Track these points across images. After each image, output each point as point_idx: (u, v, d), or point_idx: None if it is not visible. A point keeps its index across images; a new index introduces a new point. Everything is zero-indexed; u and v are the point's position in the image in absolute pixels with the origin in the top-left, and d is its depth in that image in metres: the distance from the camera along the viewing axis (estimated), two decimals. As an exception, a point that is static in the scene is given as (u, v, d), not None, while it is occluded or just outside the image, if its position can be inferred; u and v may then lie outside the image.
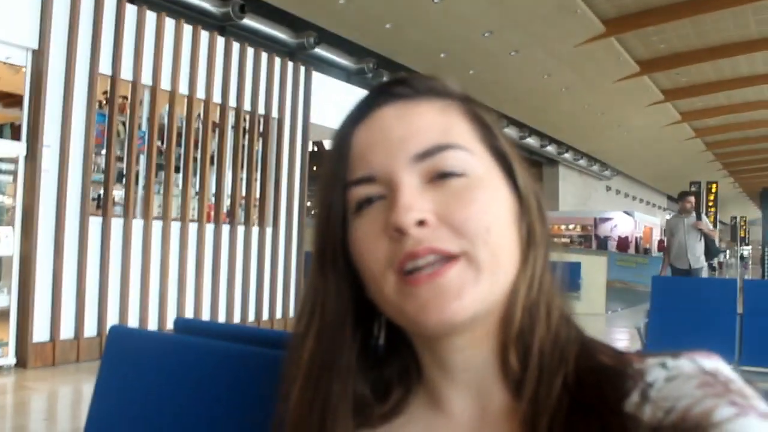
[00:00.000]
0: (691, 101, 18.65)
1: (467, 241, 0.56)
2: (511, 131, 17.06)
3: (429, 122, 0.61)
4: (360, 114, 0.63)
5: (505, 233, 0.59)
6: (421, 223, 0.56)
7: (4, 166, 5.71)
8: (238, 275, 7.49)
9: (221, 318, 7.23)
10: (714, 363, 0.53)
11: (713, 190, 26.43)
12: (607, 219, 25.64)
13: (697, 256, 8.27)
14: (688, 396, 0.50)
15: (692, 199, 8.56)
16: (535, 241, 0.61)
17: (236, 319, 7.44)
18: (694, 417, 0.48)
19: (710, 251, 8.47)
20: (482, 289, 0.57)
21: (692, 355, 0.54)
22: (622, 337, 8.77)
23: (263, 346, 0.94)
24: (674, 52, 14.64)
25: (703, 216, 8.62)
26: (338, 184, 0.62)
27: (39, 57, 5.72)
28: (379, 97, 0.63)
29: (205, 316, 7.05)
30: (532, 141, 18.85)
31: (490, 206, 0.58)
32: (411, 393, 0.66)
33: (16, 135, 6.21)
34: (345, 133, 0.63)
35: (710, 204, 26.31)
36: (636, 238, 25.62)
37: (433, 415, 0.64)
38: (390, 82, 0.65)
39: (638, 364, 0.55)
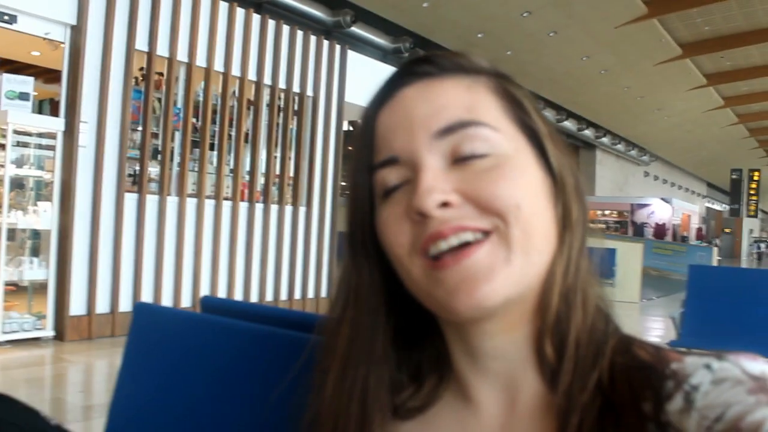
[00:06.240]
0: (735, 85, 18.21)
1: (497, 217, 0.54)
2: (548, 114, 16.83)
3: (453, 99, 0.58)
4: (383, 96, 0.62)
5: (538, 211, 0.56)
6: (445, 204, 0.54)
7: (44, 142, 5.78)
8: (271, 254, 7.52)
9: (254, 296, 7.28)
10: (760, 366, 0.49)
11: (755, 178, 25.87)
12: (645, 205, 25.29)
13: None
14: (739, 403, 0.46)
15: None
16: (571, 222, 0.59)
17: (269, 297, 7.49)
18: (748, 427, 0.44)
19: None
20: (514, 270, 0.54)
21: (737, 358, 0.50)
22: (657, 326, 8.64)
23: (288, 328, 0.93)
24: (719, 35, 14.28)
25: None
26: (364, 167, 0.61)
27: (77, 33, 5.75)
28: (402, 77, 0.61)
29: (238, 293, 7.10)
30: (569, 124, 18.58)
31: (518, 183, 0.56)
32: (444, 381, 0.64)
33: (55, 111, 6.29)
34: (369, 116, 0.62)
35: (752, 192, 25.74)
36: (673, 226, 25.22)
37: (463, 407, 0.62)
38: (414, 61, 0.62)
39: (677, 363, 0.52)
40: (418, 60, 0.62)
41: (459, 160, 0.56)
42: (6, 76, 5.47)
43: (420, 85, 0.60)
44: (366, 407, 0.60)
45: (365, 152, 0.61)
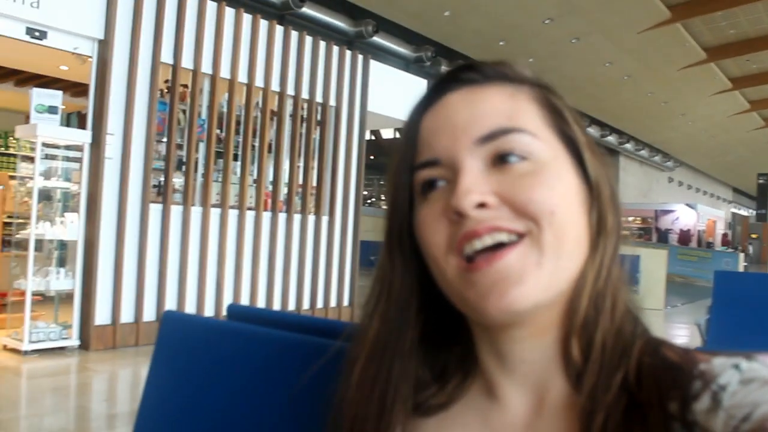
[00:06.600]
0: (762, 89, 17.95)
1: (531, 221, 0.56)
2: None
3: (495, 106, 0.60)
4: (428, 101, 0.64)
5: (572, 218, 0.58)
6: (482, 205, 0.56)
7: (71, 154, 5.87)
8: (294, 263, 7.56)
9: (276, 305, 7.31)
10: None
11: (783, 183, 25.43)
12: (669, 211, 25.03)
13: None
14: (767, 402, 0.46)
15: None
16: (605, 229, 0.60)
17: (291, 306, 7.52)
18: None
19: None
20: (545, 274, 0.55)
21: (766, 358, 0.51)
22: (682, 333, 8.54)
23: (315, 335, 0.94)
24: (744, 38, 14.11)
25: None
26: (406, 168, 0.63)
27: (104, 47, 5.85)
28: (447, 83, 0.63)
29: (261, 303, 7.14)
30: (592, 131, 18.46)
31: (554, 189, 0.57)
32: (469, 378, 0.65)
33: (82, 123, 6.38)
34: (414, 120, 0.64)
35: (779, 197, 25.33)
36: (698, 232, 24.90)
37: (489, 404, 0.63)
38: (459, 68, 0.64)
39: (705, 364, 0.52)
40: (463, 67, 0.64)
41: (498, 163, 0.58)
42: (36, 90, 5.57)
43: (464, 91, 0.62)
44: (386, 398, 0.62)
45: (408, 153, 0.63)
